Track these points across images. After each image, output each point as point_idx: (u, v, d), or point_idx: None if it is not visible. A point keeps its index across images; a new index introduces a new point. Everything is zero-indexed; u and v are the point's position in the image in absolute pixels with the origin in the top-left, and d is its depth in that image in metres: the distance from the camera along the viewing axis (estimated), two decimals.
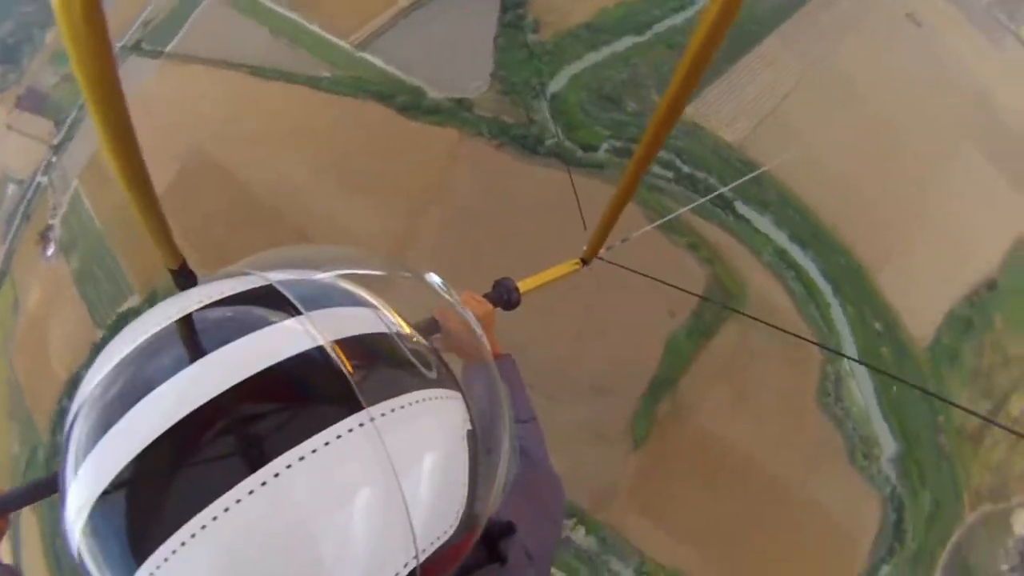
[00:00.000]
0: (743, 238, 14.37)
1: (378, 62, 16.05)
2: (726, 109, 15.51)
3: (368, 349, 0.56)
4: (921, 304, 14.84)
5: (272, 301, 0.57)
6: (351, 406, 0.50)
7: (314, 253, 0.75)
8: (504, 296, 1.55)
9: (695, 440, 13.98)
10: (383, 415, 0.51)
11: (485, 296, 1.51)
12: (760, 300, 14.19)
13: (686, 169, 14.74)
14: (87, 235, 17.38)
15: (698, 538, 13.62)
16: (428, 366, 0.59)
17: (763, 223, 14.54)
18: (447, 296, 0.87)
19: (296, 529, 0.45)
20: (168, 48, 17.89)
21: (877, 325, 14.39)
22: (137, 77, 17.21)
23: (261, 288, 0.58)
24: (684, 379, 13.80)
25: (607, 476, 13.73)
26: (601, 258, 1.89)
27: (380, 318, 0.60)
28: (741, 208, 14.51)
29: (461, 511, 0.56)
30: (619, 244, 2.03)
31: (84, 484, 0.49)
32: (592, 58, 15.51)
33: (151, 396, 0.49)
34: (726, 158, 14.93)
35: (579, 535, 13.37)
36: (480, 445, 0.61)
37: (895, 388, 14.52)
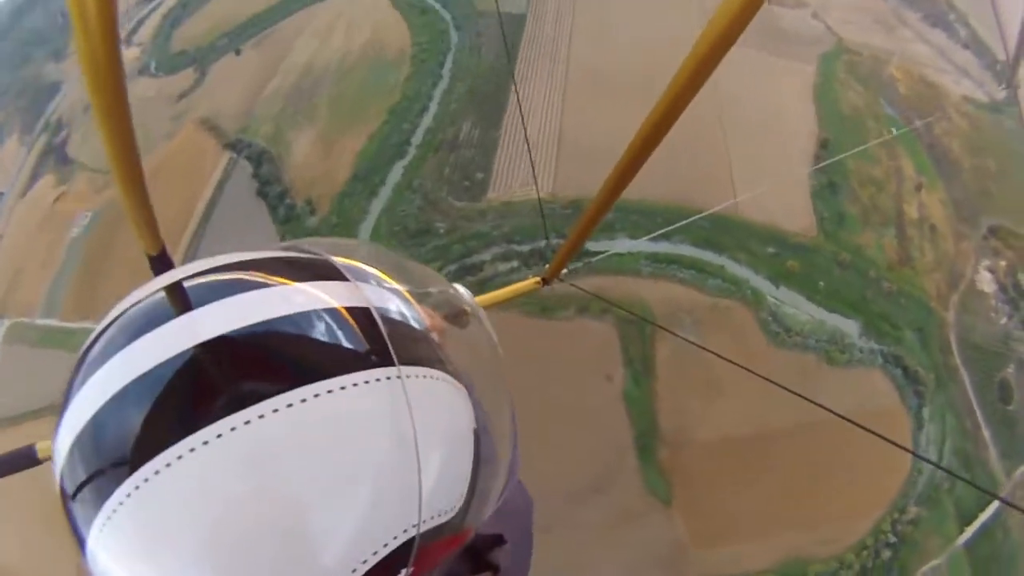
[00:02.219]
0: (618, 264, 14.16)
1: None
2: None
3: (402, 328, 0.58)
4: (788, 205, 15.28)
5: (324, 270, 0.58)
6: (385, 360, 0.51)
7: (361, 246, 0.75)
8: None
9: (710, 454, 13.66)
10: (409, 377, 0.52)
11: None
12: (666, 299, 14.07)
13: None
14: None
15: (775, 517, 13.36)
16: (449, 362, 0.60)
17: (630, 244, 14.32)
18: (477, 311, 0.84)
19: (312, 455, 0.45)
20: None
21: (769, 249, 14.64)
22: None
23: (318, 259, 0.60)
24: (659, 417, 13.44)
25: (667, 544, 13.17)
26: (560, 279, 1.96)
27: (413, 313, 0.62)
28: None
29: (462, 499, 0.57)
30: (580, 266, 2.11)
31: (86, 397, 0.47)
32: (377, 205, 14.93)
33: (188, 316, 0.48)
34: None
35: None
36: (482, 449, 0.61)
37: (821, 283, 14.86)
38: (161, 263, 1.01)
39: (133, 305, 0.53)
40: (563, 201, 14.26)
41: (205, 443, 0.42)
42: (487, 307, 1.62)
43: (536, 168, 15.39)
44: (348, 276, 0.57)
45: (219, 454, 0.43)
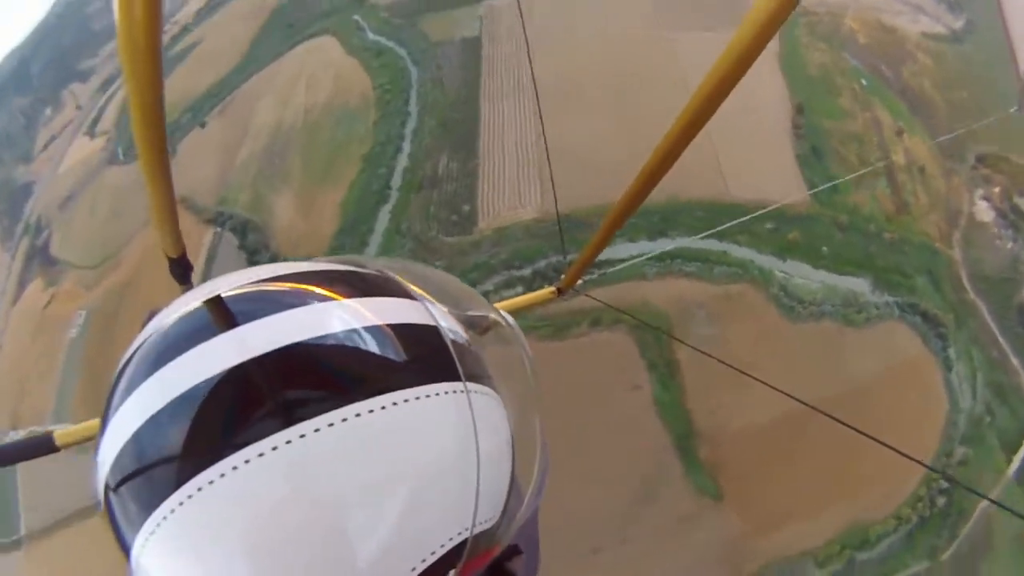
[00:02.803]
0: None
1: None
2: None
3: (462, 347, 0.58)
4: (778, 178, 15.22)
5: (389, 286, 0.58)
6: (452, 374, 0.52)
7: (417, 268, 0.73)
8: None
9: (749, 443, 13.51)
10: (474, 392, 0.53)
11: None
12: (676, 297, 13.93)
13: None
14: None
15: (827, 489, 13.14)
16: (495, 381, 0.61)
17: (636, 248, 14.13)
18: (519, 337, 0.83)
19: (379, 465, 0.45)
20: None
21: (768, 226, 14.56)
22: None
23: (380, 275, 0.60)
24: (693, 416, 13.28)
25: (725, 539, 12.99)
26: (576, 289, 1.94)
27: (466, 335, 0.62)
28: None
29: (501, 509, 0.57)
30: (596, 275, 2.04)
31: (129, 412, 0.47)
32: (370, 253, 14.80)
33: (234, 332, 0.47)
34: None
35: None
36: (515, 464, 0.62)
37: (824, 249, 14.79)
38: (180, 266, 1.03)
39: (174, 317, 0.52)
40: (554, 218, 14.17)
41: (261, 454, 0.42)
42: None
43: (525, 184, 15.28)
44: (412, 294, 0.58)
45: (267, 467, 0.42)
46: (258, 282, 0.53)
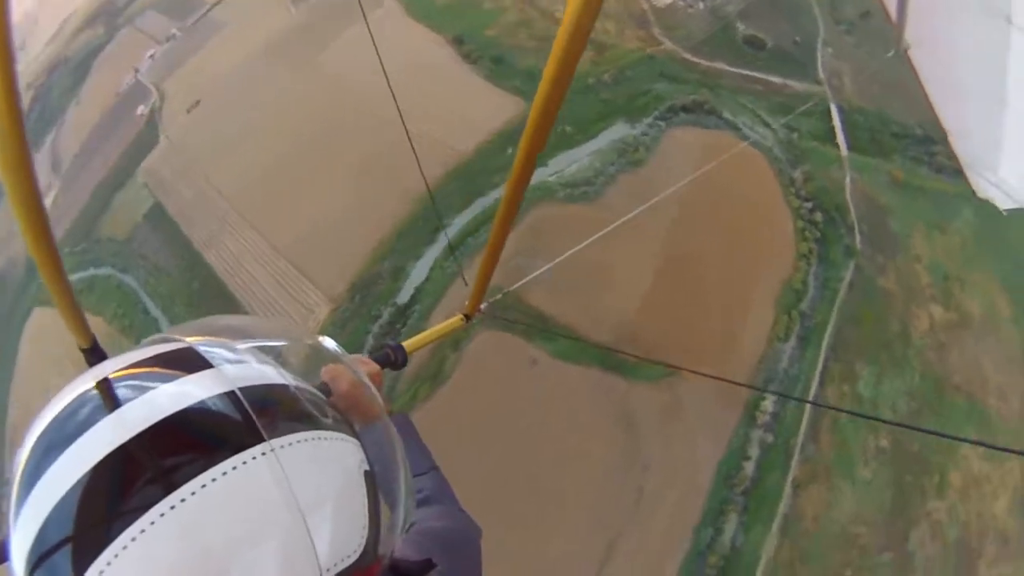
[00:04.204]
0: None
1: None
2: None
3: (271, 396, 0.62)
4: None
5: (189, 361, 0.62)
6: (254, 438, 0.55)
7: (224, 321, 0.77)
8: (391, 356, 1.66)
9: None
10: (283, 447, 0.56)
11: (371, 357, 1.57)
12: None
13: None
14: None
15: None
16: (325, 414, 0.65)
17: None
18: (342, 357, 0.89)
19: (204, 552, 0.50)
20: None
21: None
22: None
23: (181, 350, 0.64)
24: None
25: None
26: (481, 312, 2.00)
27: (280, 373, 0.66)
28: None
29: (364, 540, 0.61)
30: (499, 297, 2.18)
31: (21, 535, 0.53)
32: None
33: (77, 443, 0.54)
34: None
35: None
36: (380, 485, 0.67)
37: (567, 128, 14.53)
38: (95, 355, 1.11)
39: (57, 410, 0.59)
40: None
41: (152, 523, 0.49)
42: (416, 349, 1.74)
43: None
44: (211, 361, 0.62)
45: (161, 533, 0.49)
46: (112, 375, 0.60)
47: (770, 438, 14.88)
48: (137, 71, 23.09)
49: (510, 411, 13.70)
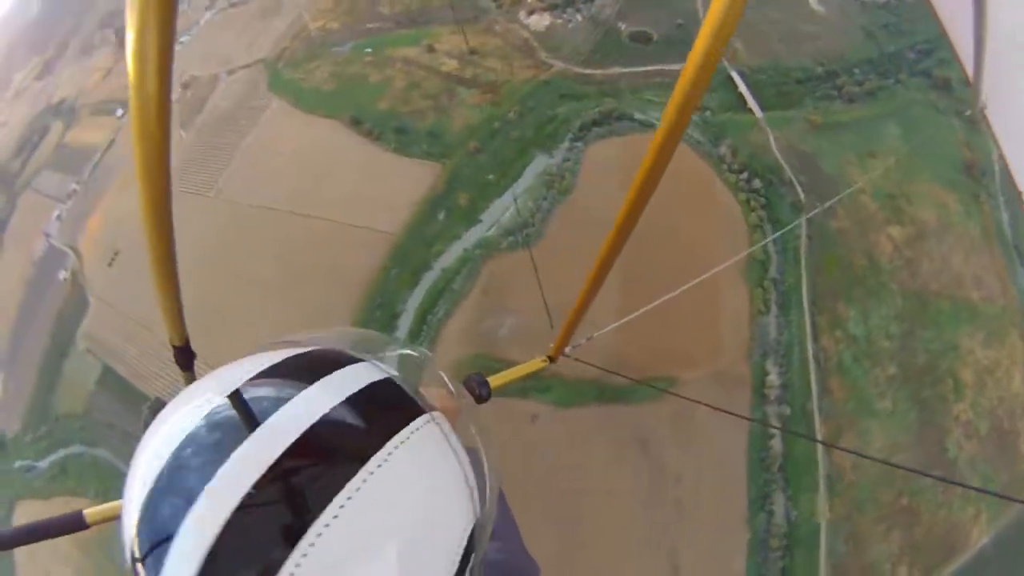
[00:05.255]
0: None
1: None
2: None
3: (407, 385, 0.71)
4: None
5: (340, 354, 0.71)
6: (417, 411, 0.66)
7: (345, 333, 0.84)
8: (475, 390, 1.62)
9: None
10: (435, 416, 0.68)
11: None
12: None
13: None
14: None
15: None
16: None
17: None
18: (448, 381, 0.93)
19: (406, 509, 0.57)
20: None
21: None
22: None
23: (330, 349, 0.73)
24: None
25: None
26: (567, 355, 2.03)
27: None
28: None
29: (483, 499, 0.71)
30: (584, 342, 2.10)
31: (192, 530, 0.52)
32: None
33: (271, 420, 0.57)
34: None
35: None
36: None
37: (490, 176, 14.22)
38: (184, 355, 1.10)
39: (197, 421, 0.59)
40: None
41: (326, 526, 0.52)
42: (499, 387, 1.71)
43: None
44: (359, 356, 0.71)
45: (334, 538, 0.52)
46: (249, 382, 0.63)
47: (787, 410, 14.86)
48: (48, 235, 22.15)
49: (524, 472, 13.09)
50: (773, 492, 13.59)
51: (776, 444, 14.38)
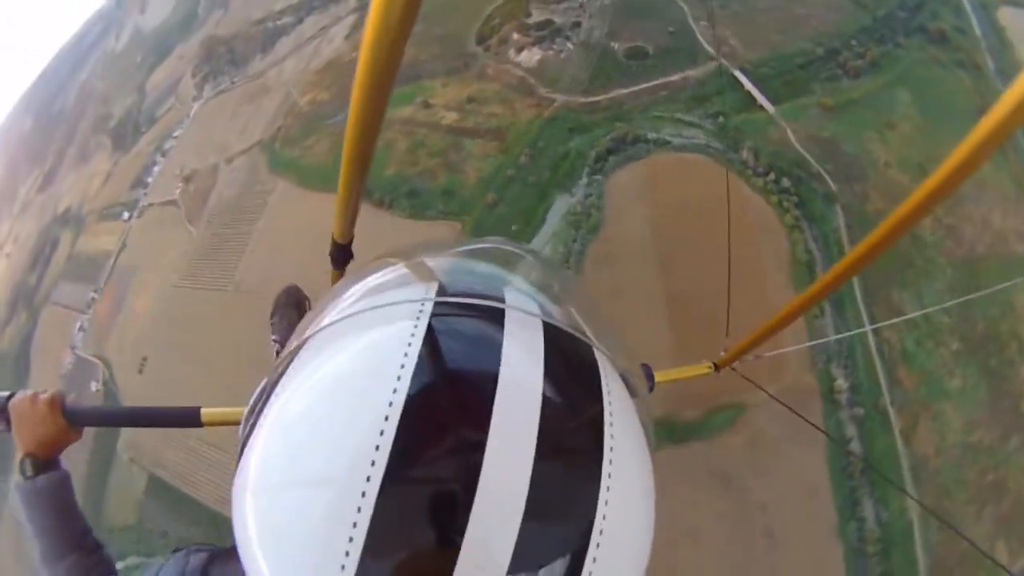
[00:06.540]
0: None
1: None
2: None
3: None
4: None
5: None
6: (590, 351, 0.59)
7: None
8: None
9: None
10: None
11: None
12: None
13: None
14: None
15: None
16: None
17: None
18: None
19: (631, 440, 0.54)
20: None
21: None
22: None
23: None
24: None
25: None
26: (734, 368, 1.92)
27: None
28: None
29: None
30: (751, 359, 1.89)
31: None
32: None
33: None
34: None
35: None
36: None
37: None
38: (343, 252, 1.11)
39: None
40: None
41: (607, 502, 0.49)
42: (663, 383, 1.70)
43: None
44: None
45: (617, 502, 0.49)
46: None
47: (860, 411, 14.29)
48: (74, 348, 22.14)
49: None
50: (861, 498, 13.19)
51: (855, 447, 13.98)
